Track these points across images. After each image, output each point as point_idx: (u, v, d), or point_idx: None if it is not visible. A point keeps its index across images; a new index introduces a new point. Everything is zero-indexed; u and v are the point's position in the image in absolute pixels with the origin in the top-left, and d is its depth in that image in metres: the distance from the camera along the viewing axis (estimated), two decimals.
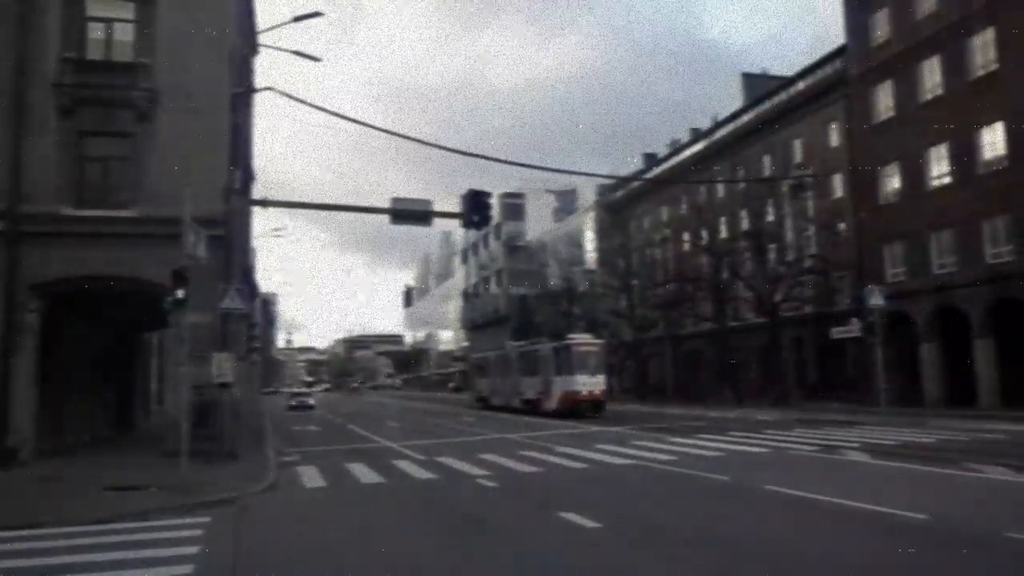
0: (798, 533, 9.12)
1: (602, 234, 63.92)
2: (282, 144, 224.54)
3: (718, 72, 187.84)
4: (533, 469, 15.58)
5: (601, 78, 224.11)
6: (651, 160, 64.43)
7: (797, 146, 41.43)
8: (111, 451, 19.42)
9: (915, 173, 32.41)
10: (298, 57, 21.67)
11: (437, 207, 19.49)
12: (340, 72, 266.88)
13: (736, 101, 52.46)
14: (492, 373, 45.46)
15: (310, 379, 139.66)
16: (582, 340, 35.95)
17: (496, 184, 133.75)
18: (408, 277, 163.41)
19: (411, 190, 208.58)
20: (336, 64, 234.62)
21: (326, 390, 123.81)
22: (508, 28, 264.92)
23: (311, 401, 53.65)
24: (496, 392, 43.68)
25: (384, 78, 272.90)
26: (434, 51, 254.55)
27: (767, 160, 43.61)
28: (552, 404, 34.01)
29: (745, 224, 43.01)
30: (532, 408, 36.24)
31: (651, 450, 18.31)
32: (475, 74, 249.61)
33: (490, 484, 13.77)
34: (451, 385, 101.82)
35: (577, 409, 32.45)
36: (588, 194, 74.09)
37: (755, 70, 54.87)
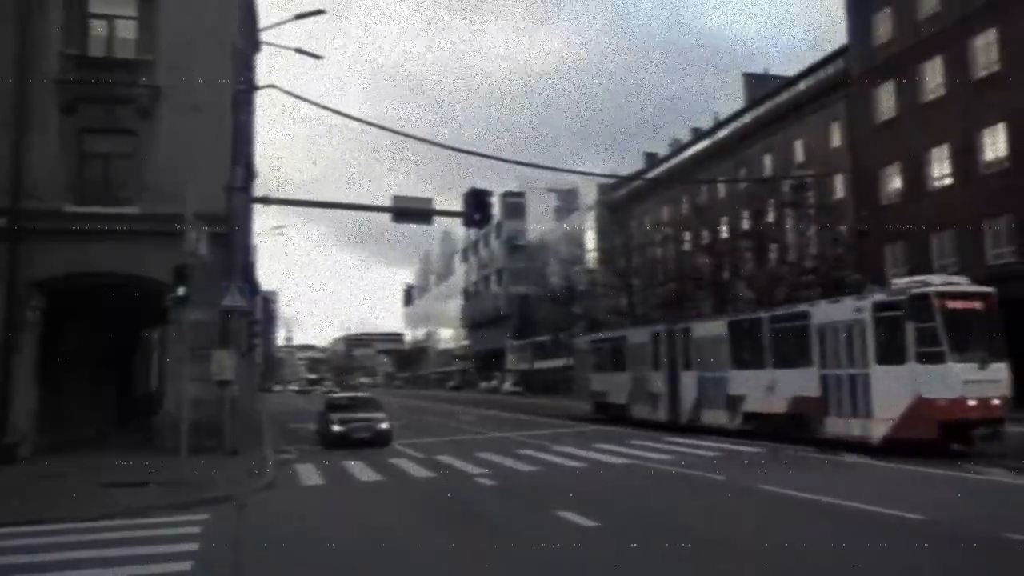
0: (795, 533, 9.14)
1: (603, 233, 63.92)
2: (284, 141, 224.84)
3: (719, 65, 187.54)
4: (532, 468, 15.63)
5: (599, 70, 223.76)
6: (652, 159, 64.52)
7: (798, 146, 41.45)
8: (111, 448, 19.44)
9: (916, 173, 32.41)
10: (300, 55, 21.72)
11: (438, 205, 19.52)
12: (340, 68, 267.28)
13: (737, 101, 52.60)
14: (635, 364, 27.18)
15: (313, 376, 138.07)
16: (951, 286, 17.30)
17: (497, 182, 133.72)
18: (408, 274, 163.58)
19: (412, 187, 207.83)
20: (336, 60, 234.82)
21: (328, 391, 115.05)
22: (501, 17, 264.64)
23: (384, 424, 21.62)
24: (646, 397, 26.00)
25: (383, 73, 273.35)
26: (428, 43, 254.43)
27: (768, 160, 43.64)
28: (880, 428, 16.33)
29: (746, 224, 43.03)
30: (793, 429, 18.80)
31: (649, 449, 18.34)
32: (471, 67, 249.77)
33: (488, 483, 13.81)
34: (450, 384, 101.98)
35: (950, 436, 15.67)
36: (589, 193, 74.12)
37: (756, 64, 55.51)
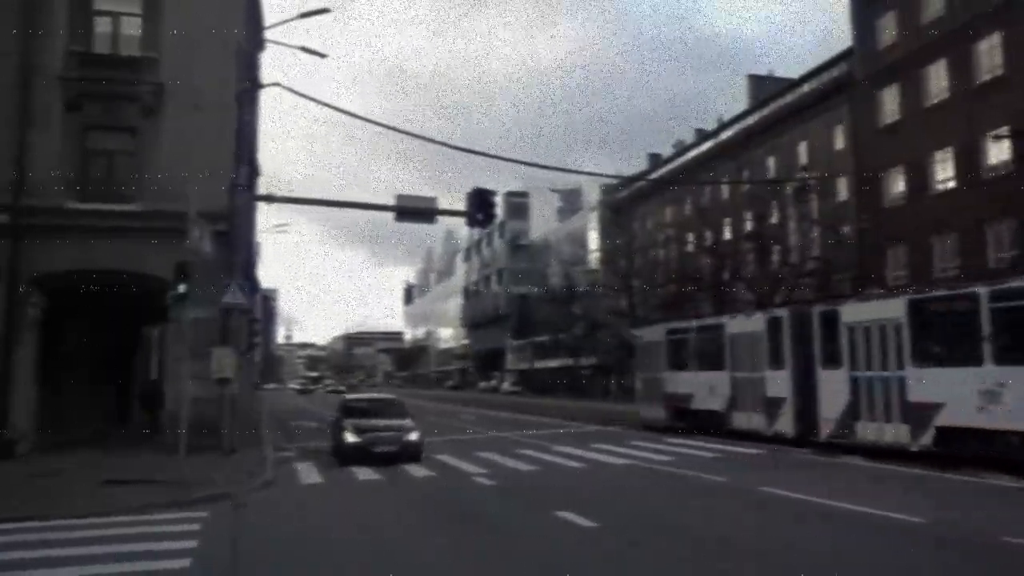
0: (794, 534, 9.14)
1: (605, 233, 63.95)
2: (287, 140, 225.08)
3: (723, 65, 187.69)
4: (531, 468, 15.63)
5: (604, 71, 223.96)
6: (656, 160, 64.54)
7: (802, 148, 41.45)
8: (111, 446, 19.46)
9: (920, 177, 32.38)
10: (304, 53, 21.73)
11: (442, 204, 19.48)
12: (345, 66, 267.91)
13: (741, 102, 52.61)
14: (740, 359, 21.24)
15: (314, 374, 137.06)
16: None
17: (499, 181, 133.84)
18: (410, 273, 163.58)
19: (414, 186, 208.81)
20: (341, 58, 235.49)
21: (333, 389, 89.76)
22: (506, 17, 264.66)
23: (413, 435, 17.21)
24: (758, 402, 20.19)
25: (388, 71, 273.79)
26: (433, 42, 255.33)
27: (772, 162, 43.64)
28: None
29: (749, 225, 43.01)
30: None
31: (648, 450, 18.34)
32: (475, 67, 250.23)
33: (488, 482, 13.82)
34: (449, 383, 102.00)
35: None
36: (592, 193, 74.16)
37: (761, 66, 55.36)
